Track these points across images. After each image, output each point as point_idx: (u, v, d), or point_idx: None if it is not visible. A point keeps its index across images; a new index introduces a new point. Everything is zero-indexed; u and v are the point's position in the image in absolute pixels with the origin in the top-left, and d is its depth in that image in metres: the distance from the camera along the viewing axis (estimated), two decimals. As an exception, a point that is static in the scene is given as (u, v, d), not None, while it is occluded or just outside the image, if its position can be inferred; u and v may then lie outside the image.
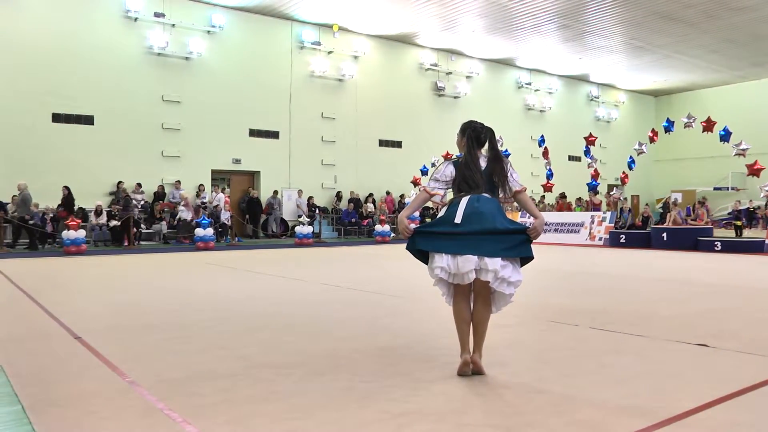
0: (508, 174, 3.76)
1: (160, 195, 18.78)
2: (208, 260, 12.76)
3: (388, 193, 23.34)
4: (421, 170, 21.28)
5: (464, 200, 3.66)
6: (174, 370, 3.89)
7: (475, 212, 3.59)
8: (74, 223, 14.93)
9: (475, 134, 3.84)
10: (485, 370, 3.74)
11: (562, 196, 22.08)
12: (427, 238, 3.67)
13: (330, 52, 22.29)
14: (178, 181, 19.16)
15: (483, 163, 3.77)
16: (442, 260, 3.60)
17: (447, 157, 20.11)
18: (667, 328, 5.16)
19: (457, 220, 3.59)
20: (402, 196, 23.31)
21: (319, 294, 7.55)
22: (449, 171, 3.80)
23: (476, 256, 3.54)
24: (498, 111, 26.48)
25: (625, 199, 21.10)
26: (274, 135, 21.27)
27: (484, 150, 3.87)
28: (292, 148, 21.59)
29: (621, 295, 7.34)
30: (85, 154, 17.87)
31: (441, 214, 3.76)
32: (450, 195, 3.86)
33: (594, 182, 19.68)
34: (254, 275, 9.90)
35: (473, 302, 3.77)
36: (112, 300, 7.14)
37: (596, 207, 19.95)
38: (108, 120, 18.25)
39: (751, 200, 25.49)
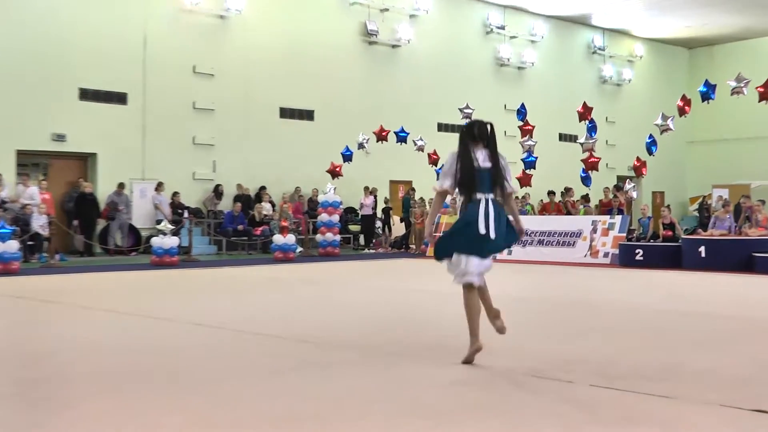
0: (505, 176, 5.90)
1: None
2: (10, 292, 12.33)
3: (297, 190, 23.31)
4: (342, 153, 21.10)
5: (481, 209, 5.73)
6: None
7: (491, 222, 5.74)
8: None
9: (467, 129, 5.99)
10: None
11: (550, 192, 22.36)
12: (458, 243, 5.84)
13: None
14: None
15: (482, 157, 5.78)
16: (471, 265, 5.74)
17: (379, 134, 20.40)
18: (704, 386, 5.23)
19: (481, 231, 5.68)
20: (315, 191, 23.08)
21: (183, 338, 7.51)
22: (454, 160, 5.82)
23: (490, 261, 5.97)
24: (453, 68, 26.88)
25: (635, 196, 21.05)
26: (120, 99, 21.02)
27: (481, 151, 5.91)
28: (146, 119, 21.35)
29: (636, 337, 7.44)
30: None
31: (459, 217, 6.18)
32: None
33: (584, 173, 18.98)
34: (83, 312, 9.75)
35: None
36: None
37: (619, 209, 19.45)
38: None
39: None
